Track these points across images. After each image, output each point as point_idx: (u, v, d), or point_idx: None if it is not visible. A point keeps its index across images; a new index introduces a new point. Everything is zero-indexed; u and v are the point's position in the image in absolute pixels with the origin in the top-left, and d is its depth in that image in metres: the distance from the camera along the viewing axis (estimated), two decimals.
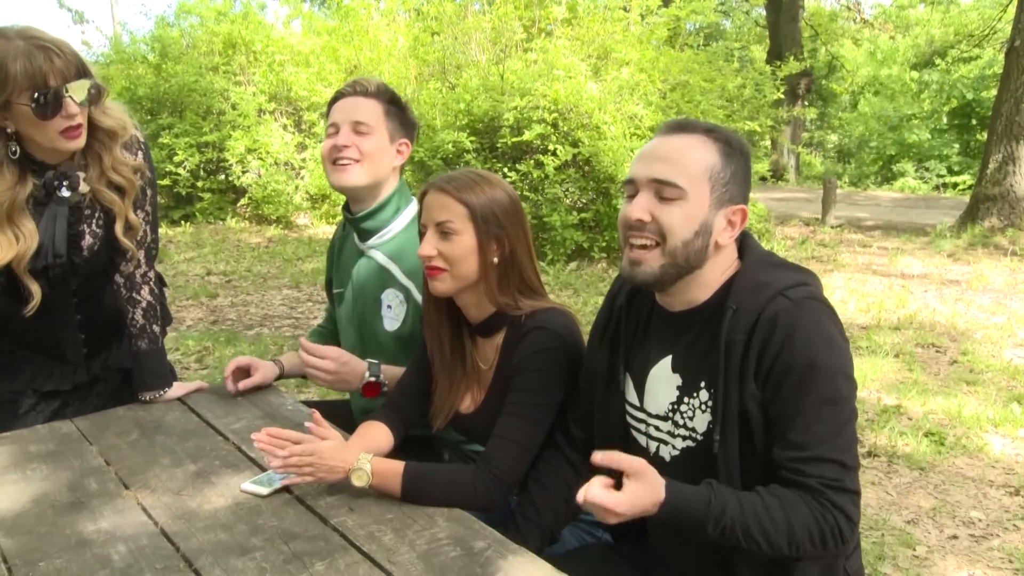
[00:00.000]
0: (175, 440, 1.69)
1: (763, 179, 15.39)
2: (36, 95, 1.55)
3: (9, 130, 1.62)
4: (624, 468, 1.17)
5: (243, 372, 1.97)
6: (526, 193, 6.96)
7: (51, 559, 1.24)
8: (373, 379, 1.78)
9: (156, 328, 1.90)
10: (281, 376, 2.04)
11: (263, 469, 1.52)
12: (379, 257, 1.91)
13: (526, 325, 1.53)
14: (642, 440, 1.40)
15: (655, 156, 1.29)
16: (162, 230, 8.86)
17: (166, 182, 9.07)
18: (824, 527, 1.18)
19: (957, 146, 16.68)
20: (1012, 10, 9.25)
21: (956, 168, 16.24)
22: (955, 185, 15.48)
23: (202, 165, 9.41)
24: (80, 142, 1.66)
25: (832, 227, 9.48)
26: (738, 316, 1.24)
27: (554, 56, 7.60)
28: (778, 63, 10.43)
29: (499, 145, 7.14)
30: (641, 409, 1.40)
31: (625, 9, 8.60)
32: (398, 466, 1.40)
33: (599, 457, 1.18)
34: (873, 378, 4.17)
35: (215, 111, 9.61)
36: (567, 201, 7.13)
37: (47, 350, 1.88)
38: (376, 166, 1.88)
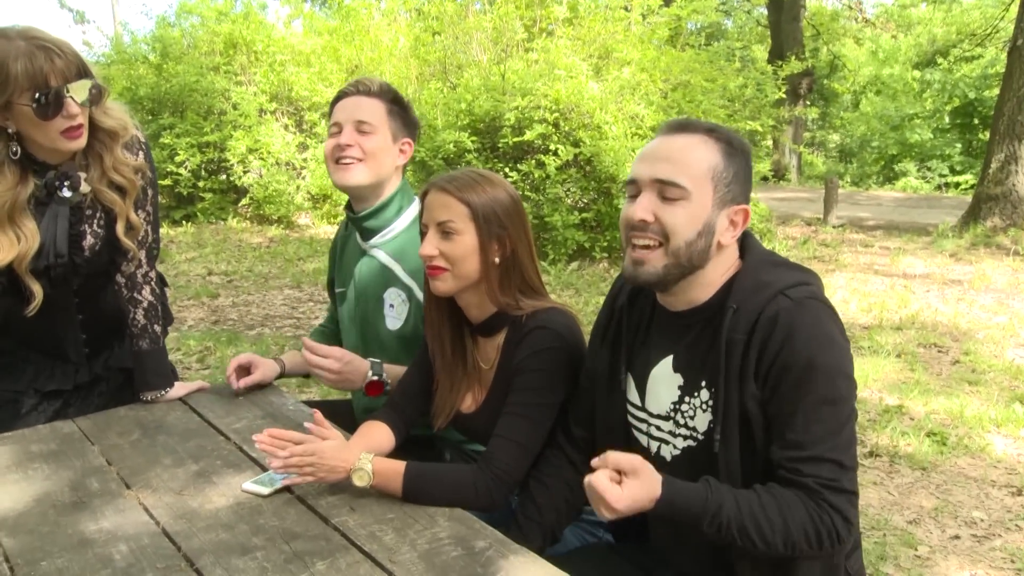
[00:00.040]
0: (176, 440, 1.69)
1: (765, 179, 15.37)
2: (37, 95, 1.55)
3: (10, 130, 1.62)
4: (622, 466, 1.18)
5: (245, 370, 1.97)
6: (527, 193, 6.96)
7: (53, 559, 1.24)
8: (376, 378, 1.78)
9: (157, 328, 1.90)
10: (282, 375, 2.04)
11: (264, 469, 1.52)
12: (381, 256, 1.92)
13: (527, 325, 1.53)
14: (643, 440, 1.40)
15: (657, 156, 1.29)
16: (163, 230, 8.89)
17: (167, 182, 9.08)
18: (820, 527, 1.18)
19: (959, 146, 16.66)
20: (1014, 9, 9.25)
21: (958, 168, 16.23)
22: (957, 185, 15.46)
23: (203, 165, 9.42)
24: (81, 142, 1.66)
25: (834, 227, 9.47)
26: (739, 315, 1.24)
27: (555, 56, 7.60)
28: (780, 63, 10.41)
29: (500, 145, 7.15)
30: (642, 409, 1.40)
31: (626, 9, 8.60)
32: (399, 466, 1.40)
33: (597, 462, 1.20)
34: (875, 378, 4.17)
35: (216, 111, 9.62)
36: (568, 201, 7.13)
37: (49, 350, 1.88)
38: (379, 165, 1.88)
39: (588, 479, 1.19)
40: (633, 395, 1.42)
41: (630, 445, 1.41)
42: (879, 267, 7.27)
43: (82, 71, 1.61)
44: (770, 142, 15.86)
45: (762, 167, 10.85)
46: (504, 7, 8.66)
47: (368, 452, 1.42)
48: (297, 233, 9.24)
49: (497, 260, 1.54)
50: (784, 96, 9.66)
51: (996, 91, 10.84)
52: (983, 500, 2.92)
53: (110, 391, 1.97)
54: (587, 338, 1.55)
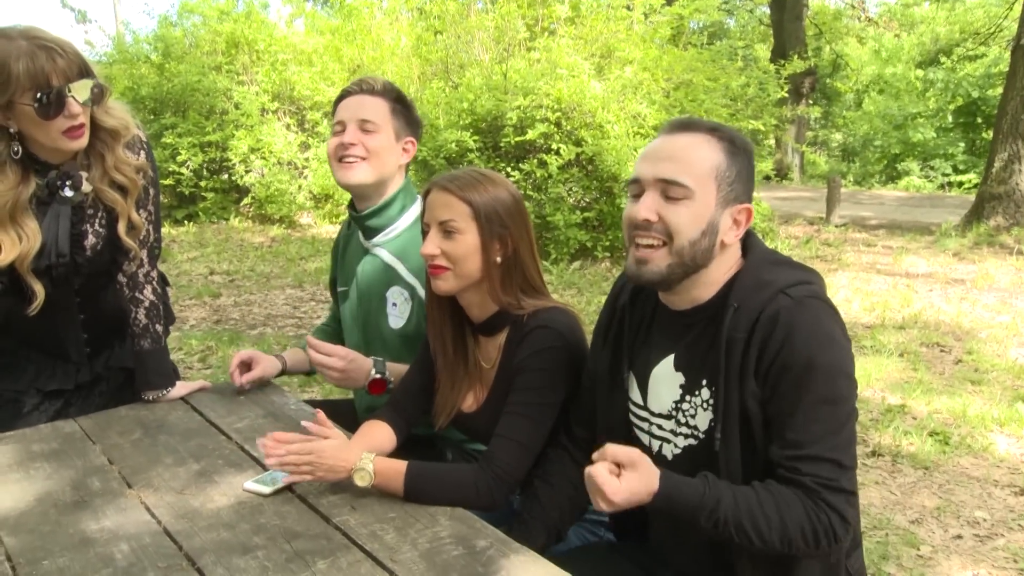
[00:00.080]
0: (178, 439, 1.69)
1: (767, 178, 15.35)
2: (39, 95, 1.55)
3: (12, 130, 1.62)
4: (620, 459, 1.18)
5: (247, 366, 1.97)
6: (529, 192, 6.96)
7: (54, 558, 1.24)
8: (379, 376, 1.78)
9: (159, 327, 1.90)
10: (284, 372, 2.04)
11: (265, 468, 1.52)
12: (384, 255, 1.92)
13: (528, 324, 1.53)
14: (645, 439, 1.40)
15: (661, 155, 1.29)
16: (165, 230, 8.90)
17: (169, 182, 9.09)
18: (817, 526, 1.18)
19: (962, 145, 16.63)
20: (1018, 8, 9.23)
21: (961, 167, 16.20)
22: (960, 184, 15.43)
23: (205, 165, 9.43)
24: (83, 142, 1.67)
25: (836, 226, 9.45)
26: (739, 314, 1.24)
27: (557, 55, 7.59)
28: (782, 62, 10.40)
29: (502, 144, 7.14)
30: (644, 408, 1.40)
31: (628, 8, 8.60)
32: (400, 466, 1.40)
33: (596, 455, 1.20)
34: (877, 377, 4.16)
35: (218, 111, 9.62)
36: (570, 200, 7.12)
37: (50, 349, 1.88)
38: (382, 164, 1.88)
39: (587, 470, 1.20)
40: (635, 394, 1.42)
41: (631, 444, 1.40)
42: (882, 266, 7.26)
43: (84, 71, 1.61)
44: (772, 141, 15.84)
45: (764, 166, 10.83)
46: (506, 6, 8.66)
47: (369, 452, 1.42)
48: (299, 233, 9.25)
49: (499, 259, 1.54)
50: (786, 95, 9.67)
51: (999, 90, 10.81)
52: (985, 500, 2.91)
53: (111, 390, 1.97)
54: (589, 337, 1.55)
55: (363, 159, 1.86)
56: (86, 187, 1.72)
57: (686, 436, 1.33)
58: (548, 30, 8.92)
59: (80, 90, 1.60)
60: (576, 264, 7.07)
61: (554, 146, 6.91)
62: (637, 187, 1.30)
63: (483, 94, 7.46)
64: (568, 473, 1.51)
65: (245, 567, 1.20)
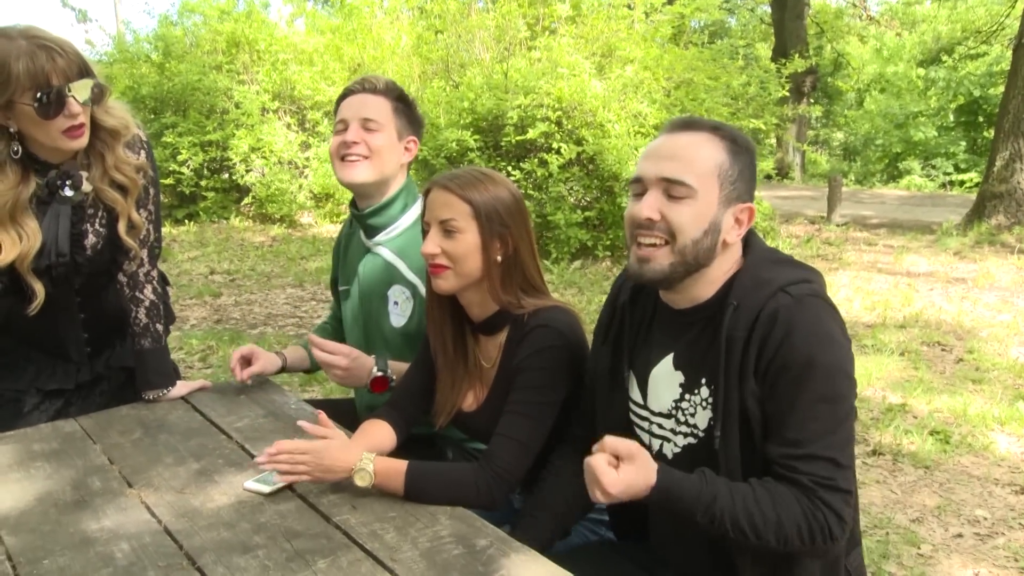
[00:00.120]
0: (178, 439, 1.69)
1: (768, 177, 15.36)
2: (39, 94, 1.55)
3: (12, 129, 1.62)
4: (619, 452, 1.19)
5: (247, 361, 1.98)
6: (530, 191, 6.96)
7: (55, 557, 1.24)
8: (381, 374, 1.78)
9: (159, 327, 1.90)
10: (283, 369, 2.04)
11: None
12: (386, 253, 1.92)
13: (529, 323, 1.53)
14: (645, 438, 1.40)
15: (663, 154, 1.29)
16: (166, 229, 8.89)
17: (169, 181, 9.09)
18: (813, 524, 1.18)
19: (964, 143, 16.62)
20: (1020, 6, 9.22)
21: (963, 166, 16.19)
22: (961, 183, 15.42)
23: (206, 164, 9.43)
24: (83, 141, 1.67)
25: (837, 225, 9.45)
26: (739, 312, 1.24)
27: (558, 54, 7.59)
28: (783, 60, 10.39)
29: (503, 143, 7.14)
30: (644, 407, 1.40)
31: (629, 7, 8.60)
32: (401, 465, 1.40)
33: (595, 447, 1.21)
34: (878, 376, 4.16)
35: (219, 110, 9.62)
36: (571, 199, 7.12)
37: (50, 349, 1.88)
38: (384, 163, 1.88)
39: (586, 460, 1.20)
40: (635, 393, 1.42)
41: None
42: (883, 265, 7.26)
43: (84, 70, 1.61)
44: (774, 140, 15.86)
45: (765, 165, 10.85)
46: (507, 5, 8.65)
47: (369, 451, 1.42)
48: (299, 232, 9.25)
49: (499, 258, 1.54)
50: (788, 94, 9.67)
51: (1001, 89, 10.80)
52: (986, 498, 2.91)
53: (112, 390, 1.97)
54: (589, 337, 1.55)
55: (365, 158, 1.86)
56: (86, 187, 1.72)
57: (686, 435, 1.33)
58: (549, 29, 8.92)
59: (80, 90, 1.60)
60: (577, 263, 7.07)
61: (555, 145, 6.91)
62: (639, 186, 1.30)
63: (484, 93, 7.46)
64: (574, 469, 1.51)
65: (245, 566, 1.20)
